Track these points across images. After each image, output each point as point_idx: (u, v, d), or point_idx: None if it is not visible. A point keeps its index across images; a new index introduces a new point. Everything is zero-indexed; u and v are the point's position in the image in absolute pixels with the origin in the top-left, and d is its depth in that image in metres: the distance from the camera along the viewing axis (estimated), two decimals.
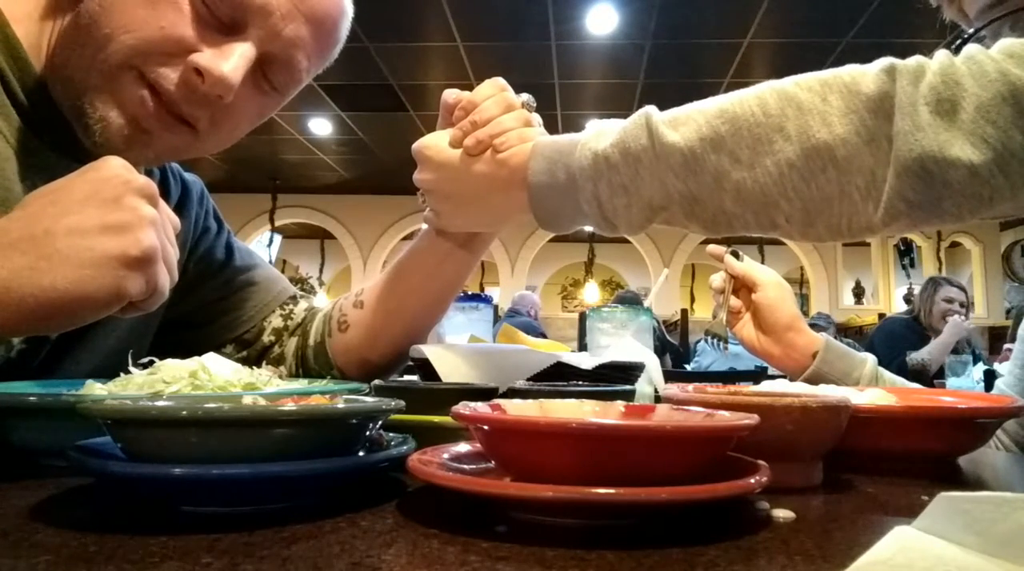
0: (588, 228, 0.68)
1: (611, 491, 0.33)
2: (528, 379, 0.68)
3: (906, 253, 8.70)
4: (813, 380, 0.95)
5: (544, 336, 3.42)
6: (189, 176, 0.93)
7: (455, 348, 0.72)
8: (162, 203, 0.58)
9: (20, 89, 0.68)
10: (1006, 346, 3.77)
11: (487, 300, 1.53)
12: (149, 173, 0.83)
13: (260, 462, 0.37)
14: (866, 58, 0.58)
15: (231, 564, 0.30)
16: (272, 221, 8.71)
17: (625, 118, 0.63)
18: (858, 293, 9.82)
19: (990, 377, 2.80)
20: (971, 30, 0.82)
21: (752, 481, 0.37)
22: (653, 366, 0.85)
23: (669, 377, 0.94)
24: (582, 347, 1.31)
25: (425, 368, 0.72)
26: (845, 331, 7.20)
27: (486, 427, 0.41)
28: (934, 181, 0.53)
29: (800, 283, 9.48)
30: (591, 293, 9.44)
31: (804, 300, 8.85)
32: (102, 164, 0.56)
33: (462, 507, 0.40)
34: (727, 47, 5.18)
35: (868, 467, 0.57)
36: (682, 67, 5.49)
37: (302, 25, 0.71)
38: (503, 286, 8.67)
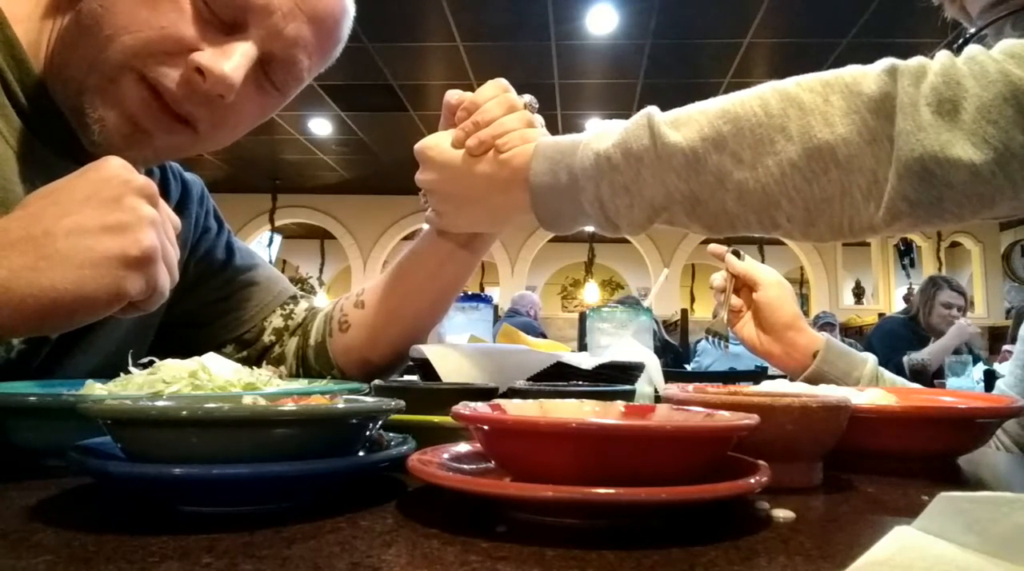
0: (588, 228, 0.68)
1: (611, 491, 0.33)
2: (528, 379, 0.68)
3: (906, 253, 8.70)
4: (813, 380, 0.95)
5: (544, 336, 3.42)
6: (189, 176, 0.93)
7: (455, 348, 0.72)
8: (162, 203, 0.58)
9: (20, 90, 0.68)
10: (1005, 347, 3.77)
11: (487, 300, 1.52)
12: (149, 173, 0.83)
13: (260, 462, 0.37)
14: (866, 58, 0.58)
15: (231, 564, 0.30)
16: (272, 221, 8.71)
17: (625, 118, 0.63)
18: (858, 293, 9.83)
19: (990, 377, 2.80)
20: (973, 29, 0.82)
21: (752, 481, 0.37)
22: (653, 366, 0.85)
23: (669, 377, 0.94)
24: (582, 347, 1.31)
25: (425, 368, 0.72)
26: (845, 331, 7.20)
27: (486, 427, 0.41)
28: (935, 181, 0.53)
29: (800, 283, 9.48)
30: (591, 293, 9.44)
31: (804, 300, 8.85)
32: (102, 164, 0.56)
33: (462, 507, 0.40)
34: (727, 47, 5.18)
35: (868, 467, 0.57)
36: (682, 67, 5.49)
37: (304, 24, 0.71)
38: (503, 286, 8.67)
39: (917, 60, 0.56)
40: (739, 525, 0.38)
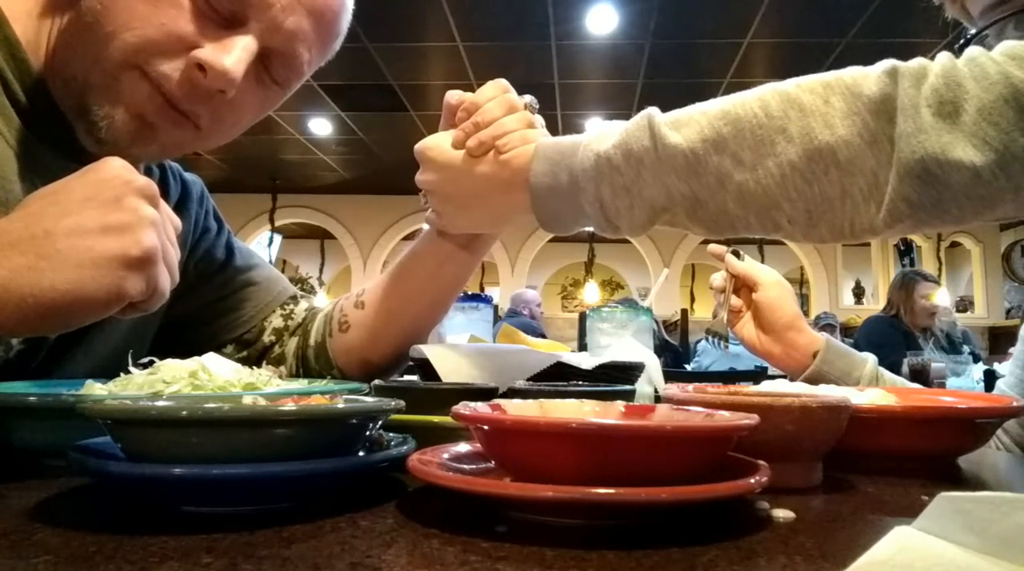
0: (588, 228, 0.68)
1: (611, 491, 0.33)
2: (528, 379, 0.68)
3: (906, 253, 8.70)
4: (813, 380, 0.95)
5: (544, 336, 3.42)
6: (189, 176, 0.93)
7: (455, 348, 0.72)
8: (163, 203, 0.58)
9: (20, 89, 0.68)
10: (1011, 350, 3.77)
11: (487, 300, 1.53)
12: (149, 173, 0.83)
13: (260, 462, 0.37)
14: (866, 58, 0.58)
15: (231, 564, 0.30)
16: (272, 221, 8.71)
17: (625, 118, 0.63)
18: (858, 293, 9.82)
19: (990, 377, 2.80)
20: (974, 29, 0.82)
21: (752, 481, 0.37)
22: (653, 366, 0.85)
23: (669, 377, 0.94)
24: (582, 347, 1.31)
25: (425, 368, 0.72)
26: (845, 331, 7.19)
27: (486, 427, 0.41)
28: (936, 183, 0.53)
29: (800, 283, 9.48)
30: (591, 293, 9.44)
31: (804, 300, 8.85)
32: (102, 165, 0.56)
33: (462, 507, 0.40)
34: (727, 47, 5.17)
35: (868, 467, 0.57)
36: (682, 67, 5.49)
37: (303, 18, 0.71)
38: (503, 286, 8.67)
39: (918, 61, 0.56)
40: (739, 525, 0.38)
